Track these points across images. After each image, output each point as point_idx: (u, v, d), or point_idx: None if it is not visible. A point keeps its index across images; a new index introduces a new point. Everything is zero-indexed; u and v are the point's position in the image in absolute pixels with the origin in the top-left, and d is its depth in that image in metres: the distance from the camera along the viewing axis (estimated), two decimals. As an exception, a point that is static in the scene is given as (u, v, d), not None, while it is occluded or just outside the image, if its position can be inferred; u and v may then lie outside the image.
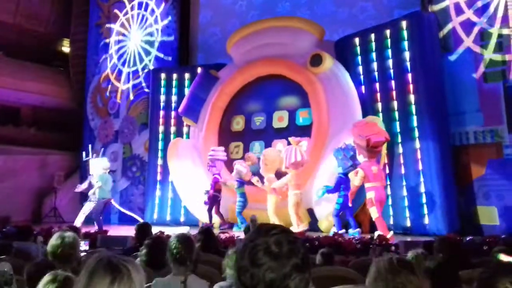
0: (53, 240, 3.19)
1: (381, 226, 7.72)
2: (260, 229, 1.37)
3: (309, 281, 1.32)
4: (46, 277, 2.28)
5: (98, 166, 10.41)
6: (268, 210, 9.33)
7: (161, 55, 14.58)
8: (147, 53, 14.88)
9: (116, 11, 15.85)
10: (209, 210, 10.32)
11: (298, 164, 8.93)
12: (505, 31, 9.13)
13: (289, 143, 9.30)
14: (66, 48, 18.38)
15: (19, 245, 4.89)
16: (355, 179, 7.89)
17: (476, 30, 9.44)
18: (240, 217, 9.91)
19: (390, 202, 9.41)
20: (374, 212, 7.80)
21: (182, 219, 11.83)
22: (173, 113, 13.04)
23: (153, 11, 15.01)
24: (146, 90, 14.37)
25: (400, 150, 9.40)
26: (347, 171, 8.33)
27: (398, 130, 9.48)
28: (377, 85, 9.93)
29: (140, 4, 15.31)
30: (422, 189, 8.94)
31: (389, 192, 9.44)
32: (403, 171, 9.31)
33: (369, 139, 7.62)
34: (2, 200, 13.89)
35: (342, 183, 8.38)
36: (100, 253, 1.65)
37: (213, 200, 10.25)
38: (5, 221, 11.17)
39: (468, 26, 9.55)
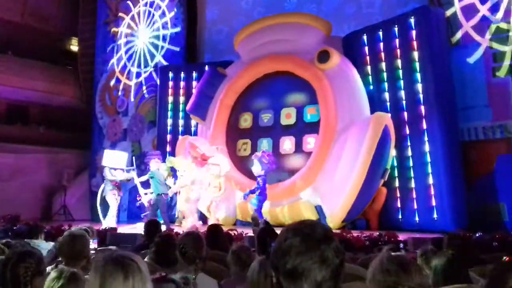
0: (63, 238, 3.21)
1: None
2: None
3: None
4: (53, 274, 2.29)
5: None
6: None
7: (170, 46, 14.58)
8: (156, 48, 14.90)
9: (126, 4, 15.90)
10: None
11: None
12: (515, 25, 9.05)
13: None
14: (74, 46, 18.47)
15: (29, 243, 4.91)
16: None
17: (485, 24, 9.36)
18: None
19: (398, 199, 9.38)
20: (183, 205, 10.29)
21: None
22: (181, 111, 13.10)
23: (160, 8, 15.03)
24: (148, 90, 14.43)
25: (408, 145, 9.36)
26: (268, 173, 9.58)
27: (407, 125, 9.44)
28: (385, 80, 9.89)
29: (147, 2, 15.35)
30: (431, 185, 8.89)
31: (398, 188, 9.43)
32: (411, 167, 9.27)
33: (203, 153, 10.34)
34: (12, 198, 14.01)
35: (265, 183, 9.46)
36: (105, 253, 1.66)
37: None
38: (15, 219, 11.23)
39: (477, 20, 9.47)
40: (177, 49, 14.57)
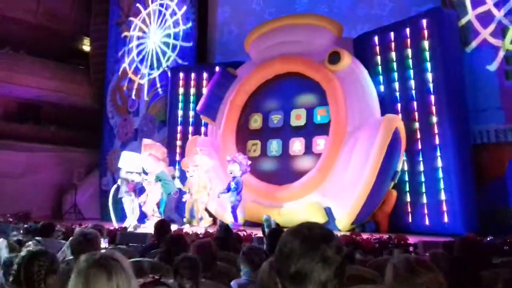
0: (75, 237, 3.24)
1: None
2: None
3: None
4: (64, 271, 2.32)
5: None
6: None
7: (180, 60, 14.60)
8: (165, 55, 14.96)
9: (137, 6, 15.99)
10: None
11: None
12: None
13: None
14: (86, 46, 18.61)
15: (41, 242, 4.96)
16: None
17: (498, 26, 9.29)
18: None
19: (409, 202, 9.33)
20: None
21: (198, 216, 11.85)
22: (191, 111, 13.14)
23: (174, 13, 15.05)
24: (160, 90, 14.51)
25: (419, 147, 9.29)
26: (243, 175, 10.08)
27: (417, 127, 9.38)
28: (396, 82, 9.84)
29: (161, 4, 15.41)
30: (441, 188, 8.82)
31: (408, 191, 9.38)
32: (422, 170, 9.21)
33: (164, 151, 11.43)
34: (24, 196, 14.16)
35: (242, 184, 9.95)
36: (86, 254, 1.64)
37: None
38: (26, 216, 11.36)
39: (489, 22, 9.40)
40: (188, 56, 14.57)
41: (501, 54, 9.23)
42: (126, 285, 1.58)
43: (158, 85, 14.91)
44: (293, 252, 1.30)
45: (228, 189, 9.97)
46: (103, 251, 1.67)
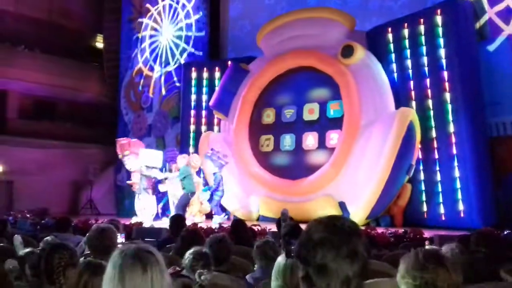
0: (92, 232, 3.27)
1: None
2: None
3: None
4: (81, 264, 2.35)
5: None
6: None
7: (192, 50, 14.66)
8: (179, 47, 15.01)
9: (148, 5, 16.06)
10: None
11: None
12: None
13: None
14: (99, 43, 18.73)
15: (58, 237, 5.02)
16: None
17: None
18: None
19: (424, 196, 9.26)
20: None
21: (213, 211, 11.87)
22: (204, 107, 13.17)
23: (184, 6, 15.10)
24: (178, 84, 14.55)
25: (435, 141, 9.21)
26: (221, 169, 10.01)
27: (433, 120, 9.28)
28: (411, 75, 9.73)
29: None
30: (457, 181, 8.73)
31: (423, 185, 9.30)
32: (437, 163, 9.12)
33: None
34: (40, 192, 14.34)
35: (221, 180, 9.90)
36: (122, 247, 1.67)
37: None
38: (43, 213, 11.50)
39: (506, 13, 9.26)
40: (201, 46, 14.63)
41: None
42: (160, 277, 1.60)
43: (163, 85, 14.97)
44: (324, 242, 1.27)
45: (213, 187, 10.05)
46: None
